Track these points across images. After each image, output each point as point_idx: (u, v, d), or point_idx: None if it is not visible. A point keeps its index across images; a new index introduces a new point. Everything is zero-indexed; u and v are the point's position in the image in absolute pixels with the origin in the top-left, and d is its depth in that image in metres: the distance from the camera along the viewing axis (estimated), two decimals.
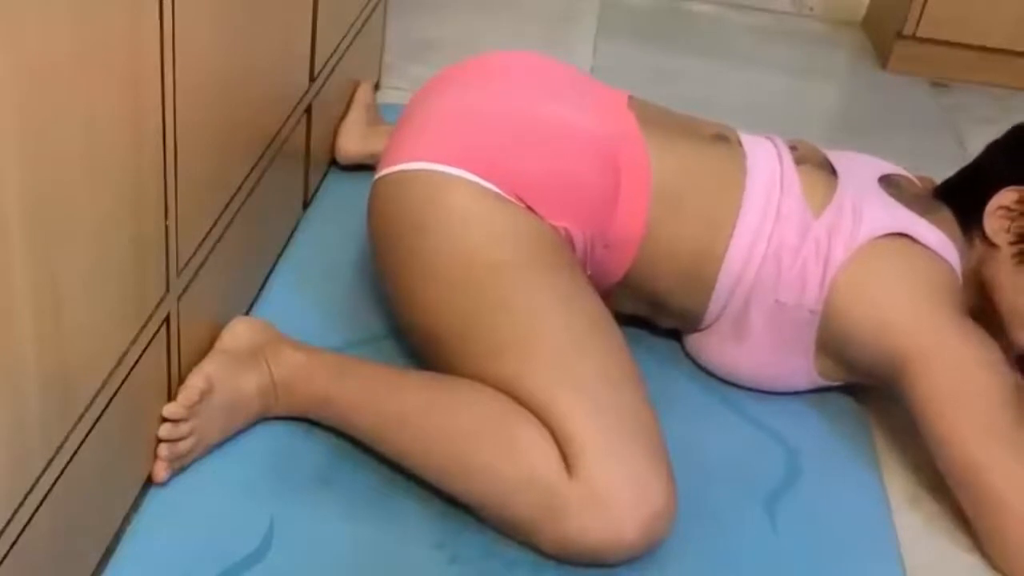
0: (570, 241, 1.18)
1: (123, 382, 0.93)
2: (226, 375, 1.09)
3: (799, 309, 1.21)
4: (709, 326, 1.28)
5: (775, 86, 2.19)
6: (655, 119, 1.26)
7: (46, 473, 0.82)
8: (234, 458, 1.11)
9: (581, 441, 1.01)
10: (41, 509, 0.82)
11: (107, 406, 0.90)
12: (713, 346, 1.29)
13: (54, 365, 0.79)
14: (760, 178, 1.23)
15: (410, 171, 1.15)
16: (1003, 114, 2.11)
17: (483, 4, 2.32)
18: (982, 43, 2.24)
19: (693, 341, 1.32)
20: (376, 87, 1.87)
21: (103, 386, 0.89)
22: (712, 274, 1.23)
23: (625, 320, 1.26)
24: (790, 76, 2.25)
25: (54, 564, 0.87)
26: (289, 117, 1.32)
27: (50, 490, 0.83)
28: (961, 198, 1.28)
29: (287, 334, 1.19)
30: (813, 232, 1.21)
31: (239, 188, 1.16)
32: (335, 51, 1.51)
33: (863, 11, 2.55)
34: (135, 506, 1.04)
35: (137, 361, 0.95)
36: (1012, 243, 1.22)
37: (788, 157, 1.27)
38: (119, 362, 0.91)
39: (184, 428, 1.05)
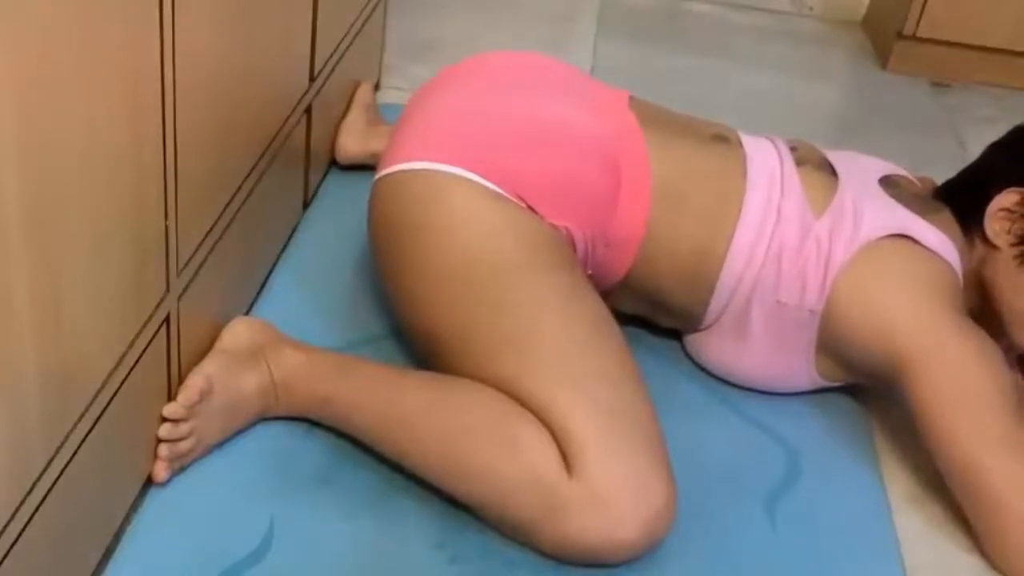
0: (571, 241, 1.18)
1: (123, 382, 0.93)
2: (226, 375, 1.09)
3: (799, 310, 1.21)
4: (709, 326, 1.28)
5: (775, 86, 2.19)
6: (656, 119, 1.26)
7: (46, 473, 0.82)
8: (234, 458, 1.11)
9: (581, 440, 1.01)
10: (41, 509, 0.82)
11: (107, 406, 0.90)
12: (713, 346, 1.29)
13: (54, 365, 0.79)
14: (761, 179, 1.23)
15: (411, 171, 1.15)
16: (1003, 114, 2.11)
17: (483, 4, 2.32)
18: (982, 43, 2.24)
19: (693, 341, 1.32)
20: (376, 87, 1.87)
21: (103, 386, 0.89)
22: (713, 274, 1.22)
23: (625, 320, 1.26)
24: (790, 76, 2.24)
25: (54, 564, 0.87)
26: (289, 117, 1.32)
27: (50, 490, 0.83)
28: (961, 199, 1.28)
29: (287, 334, 1.19)
30: (814, 233, 1.21)
31: (239, 188, 1.16)
32: (335, 51, 1.51)
33: (863, 11, 2.55)
34: (135, 506, 1.04)
35: (137, 361, 0.95)
36: (1013, 244, 1.21)
37: (789, 158, 1.27)
38: (119, 362, 0.91)
39: (184, 428, 1.05)
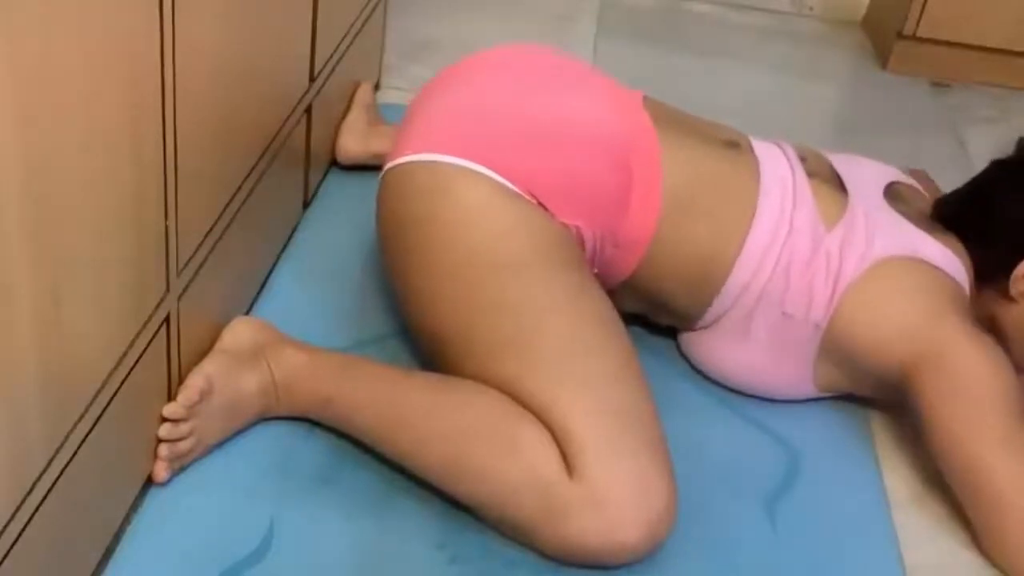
0: (580, 240, 1.17)
1: (123, 382, 0.93)
2: (226, 375, 1.09)
3: (805, 323, 1.20)
4: (707, 326, 1.27)
5: (775, 86, 2.19)
6: (669, 120, 1.25)
7: (46, 473, 0.82)
8: (234, 458, 1.11)
9: (581, 441, 1.01)
10: (41, 509, 0.82)
11: (107, 406, 0.90)
12: (704, 344, 1.28)
13: (54, 365, 0.79)
14: (774, 188, 1.22)
15: (420, 162, 1.14)
16: (1003, 114, 2.11)
17: (483, 4, 2.32)
18: (982, 43, 2.24)
19: (686, 338, 1.32)
20: (376, 87, 1.87)
21: (103, 386, 0.89)
22: (719, 279, 1.22)
23: (625, 319, 1.25)
24: (790, 76, 2.24)
25: (54, 564, 0.87)
26: (289, 117, 1.32)
27: (50, 490, 0.83)
28: (968, 225, 1.27)
29: (287, 334, 1.19)
30: (824, 246, 1.20)
31: (239, 188, 1.16)
32: (335, 51, 1.51)
33: (863, 11, 2.55)
34: (135, 506, 1.04)
35: (137, 361, 0.95)
36: None
37: (800, 168, 1.25)
38: (119, 362, 0.91)
39: (184, 428, 1.05)
